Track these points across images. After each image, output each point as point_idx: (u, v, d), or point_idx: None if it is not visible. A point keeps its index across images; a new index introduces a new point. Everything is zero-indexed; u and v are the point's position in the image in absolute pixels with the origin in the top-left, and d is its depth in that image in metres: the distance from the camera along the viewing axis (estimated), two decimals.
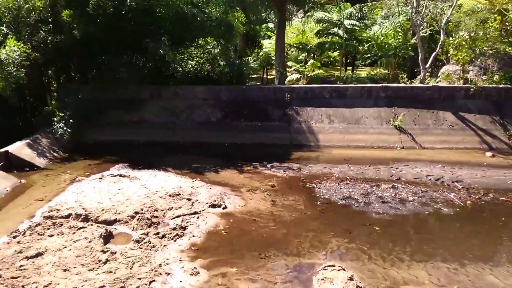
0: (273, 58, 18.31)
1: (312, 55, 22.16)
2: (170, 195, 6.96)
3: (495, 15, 13.87)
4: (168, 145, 10.72)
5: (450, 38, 12.53)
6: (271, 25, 24.46)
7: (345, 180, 8.21)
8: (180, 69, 11.52)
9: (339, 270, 4.79)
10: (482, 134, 10.90)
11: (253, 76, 22.39)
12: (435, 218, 6.57)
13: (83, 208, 6.27)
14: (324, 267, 4.89)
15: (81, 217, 5.98)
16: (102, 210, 6.26)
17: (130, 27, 10.49)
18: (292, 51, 21.83)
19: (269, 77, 21.97)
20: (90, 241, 5.22)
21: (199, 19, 10.67)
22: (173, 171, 8.56)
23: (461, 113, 11.35)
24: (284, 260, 5.11)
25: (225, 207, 6.76)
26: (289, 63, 18.29)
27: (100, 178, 7.77)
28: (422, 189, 7.74)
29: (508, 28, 13.20)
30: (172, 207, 6.53)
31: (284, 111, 11.68)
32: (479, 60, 12.77)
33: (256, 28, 21.37)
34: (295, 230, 6.02)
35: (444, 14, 12.57)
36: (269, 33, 22.98)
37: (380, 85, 12.06)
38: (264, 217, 6.43)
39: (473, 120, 11.22)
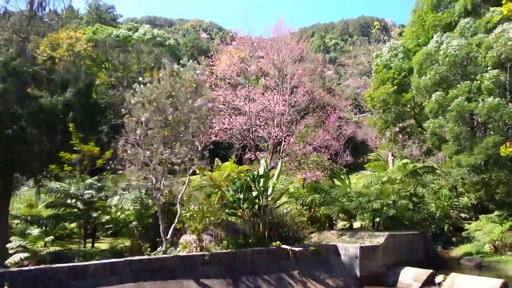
0: None
1: (44, 228, 19.56)
2: None
3: (217, 190, 17.09)
4: None
5: (187, 210, 14.08)
6: None
7: None
8: None
9: None
10: None
11: None
12: None
13: None
14: None
15: None
16: None
17: None
18: (18, 224, 18.64)
19: None
20: None
21: None
22: None
23: (202, 279, 12.11)
24: None
25: None
26: (13, 239, 15.25)
27: None
28: None
29: (226, 202, 16.32)
30: None
31: None
32: (209, 229, 14.73)
33: None
34: None
35: (179, 191, 14.32)
36: None
37: (124, 259, 11.58)
38: None
39: (212, 285, 12.13)
